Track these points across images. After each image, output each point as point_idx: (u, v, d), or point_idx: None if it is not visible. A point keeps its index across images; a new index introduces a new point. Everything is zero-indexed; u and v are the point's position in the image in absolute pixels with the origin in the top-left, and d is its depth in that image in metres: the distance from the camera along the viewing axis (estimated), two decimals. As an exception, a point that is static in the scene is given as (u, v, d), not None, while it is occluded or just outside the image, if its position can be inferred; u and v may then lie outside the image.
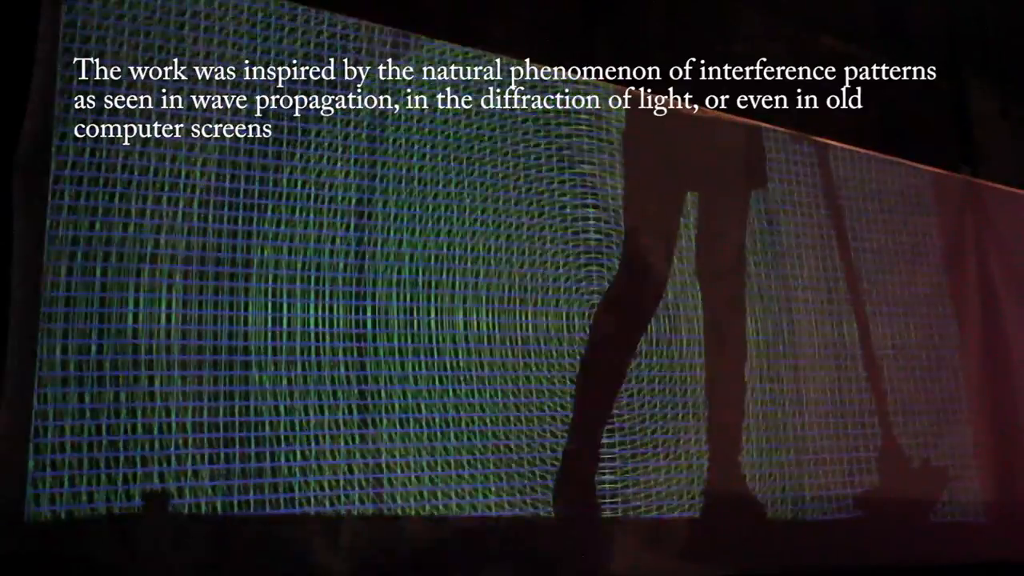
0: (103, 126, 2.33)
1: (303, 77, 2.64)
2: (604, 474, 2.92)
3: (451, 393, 2.71)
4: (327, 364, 2.54)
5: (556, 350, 2.94)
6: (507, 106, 2.99)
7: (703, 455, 3.16)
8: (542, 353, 2.90)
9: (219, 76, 2.51)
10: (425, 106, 2.83)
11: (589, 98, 3.17)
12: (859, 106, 4.22)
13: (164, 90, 2.43)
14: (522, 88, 3.04)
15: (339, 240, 2.62)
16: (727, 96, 3.67)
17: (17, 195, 2.21)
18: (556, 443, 2.86)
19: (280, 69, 2.60)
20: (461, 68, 2.91)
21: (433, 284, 2.75)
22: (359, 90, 2.72)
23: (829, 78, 4.18)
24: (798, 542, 3.29)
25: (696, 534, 3.03)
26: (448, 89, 2.88)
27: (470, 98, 2.91)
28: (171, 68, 2.44)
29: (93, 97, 2.33)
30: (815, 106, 4.03)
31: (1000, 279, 4.17)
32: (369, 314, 2.63)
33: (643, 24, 3.67)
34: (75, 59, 2.32)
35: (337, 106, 2.68)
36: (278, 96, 2.59)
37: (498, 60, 3.00)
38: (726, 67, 3.85)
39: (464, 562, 2.64)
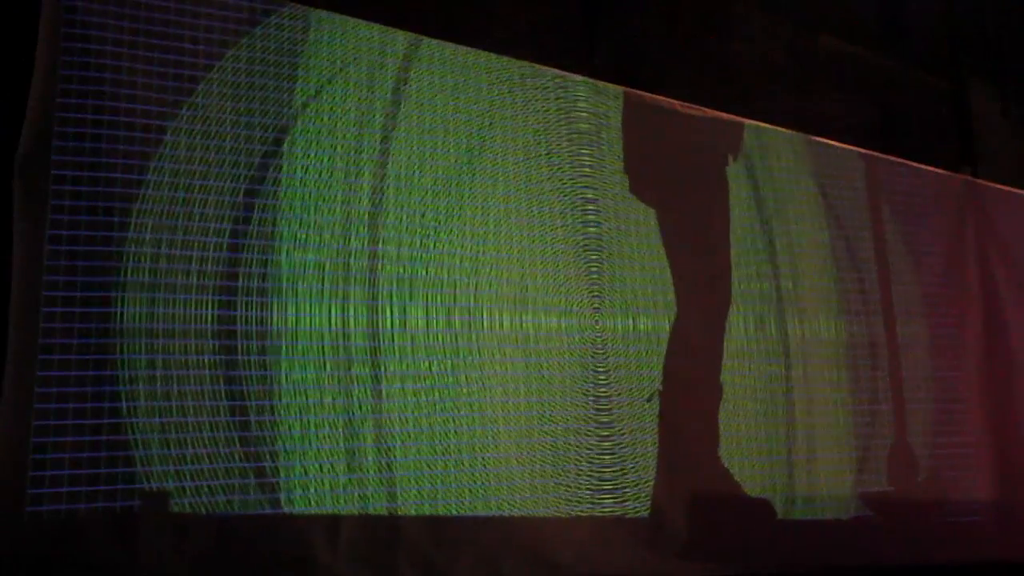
0: (103, 126, 2.33)
1: (306, 78, 2.64)
2: (603, 474, 2.92)
3: (452, 392, 2.71)
4: (328, 364, 2.54)
5: (560, 349, 2.94)
6: (507, 106, 2.99)
7: (703, 456, 3.17)
8: (546, 352, 2.91)
9: (220, 76, 2.51)
10: (426, 108, 2.83)
11: (588, 98, 3.17)
12: (859, 106, 4.23)
13: (164, 90, 2.43)
14: (522, 88, 3.04)
15: (342, 241, 2.62)
16: (727, 96, 3.68)
17: (17, 195, 2.21)
18: (556, 442, 2.86)
19: (284, 70, 2.60)
20: (462, 68, 2.91)
21: (435, 284, 2.75)
22: (361, 91, 2.72)
23: (829, 78, 4.19)
24: (798, 542, 3.29)
25: (696, 534, 3.03)
26: (448, 91, 2.88)
27: (471, 98, 2.92)
28: (171, 68, 2.44)
29: (93, 98, 2.33)
30: (815, 106, 4.04)
31: (1000, 279, 4.17)
32: (371, 314, 2.63)
33: (643, 24, 3.67)
34: (75, 59, 2.32)
35: (339, 107, 2.68)
36: (280, 96, 2.59)
37: (498, 60, 3.00)
38: (726, 67, 3.86)
39: (464, 562, 2.64)
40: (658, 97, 3.37)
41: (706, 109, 3.46)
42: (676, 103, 3.40)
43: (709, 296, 3.31)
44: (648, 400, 3.05)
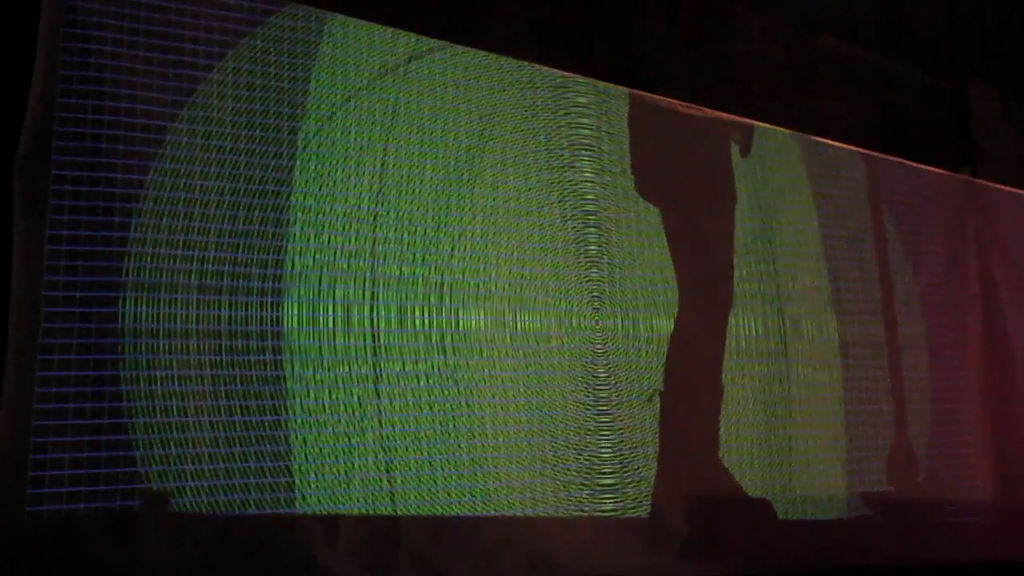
0: (103, 126, 2.33)
1: (305, 79, 2.64)
2: (603, 473, 2.92)
3: (452, 392, 2.71)
4: (328, 364, 2.54)
5: (560, 349, 2.94)
6: (508, 106, 2.99)
7: (703, 456, 3.17)
8: (546, 352, 2.91)
9: (221, 76, 2.51)
10: (426, 107, 2.84)
11: (588, 98, 3.17)
12: (859, 106, 4.23)
13: (164, 90, 2.43)
14: (522, 88, 3.05)
15: (342, 241, 2.62)
16: (727, 96, 3.68)
17: (17, 195, 2.21)
18: (556, 442, 2.86)
19: (285, 71, 2.60)
20: (462, 68, 2.92)
21: (436, 284, 2.75)
22: (362, 92, 2.73)
23: (829, 78, 4.19)
24: (798, 542, 3.29)
25: (696, 534, 3.03)
26: (449, 90, 2.89)
27: (471, 99, 2.92)
28: (171, 68, 2.44)
29: (93, 97, 2.33)
30: (815, 106, 4.04)
31: (1000, 279, 4.17)
32: (371, 314, 2.63)
33: (643, 24, 3.67)
34: (75, 59, 2.32)
35: (339, 108, 2.68)
36: (281, 97, 2.59)
37: (498, 60, 3.01)
38: (726, 67, 3.86)
39: (464, 562, 2.64)
40: (658, 97, 3.37)
41: (706, 109, 3.46)
42: (676, 103, 3.40)
43: (712, 296, 3.31)
44: (648, 400, 3.05)
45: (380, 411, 2.59)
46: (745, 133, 3.53)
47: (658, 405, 3.07)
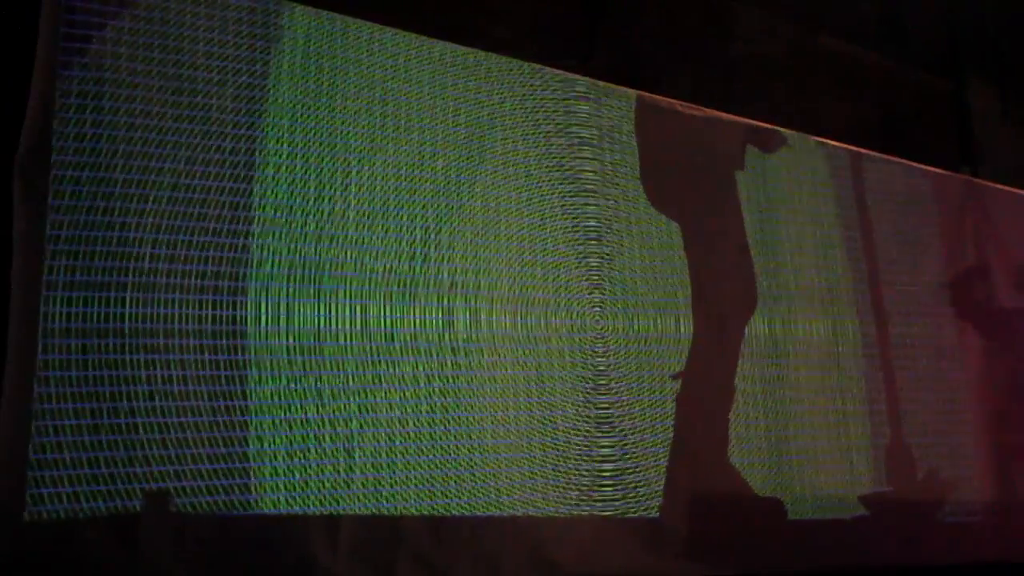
0: (103, 126, 2.33)
1: (305, 77, 2.64)
2: (604, 474, 2.92)
3: (453, 392, 2.71)
4: (328, 364, 2.54)
5: (561, 349, 2.94)
6: (508, 106, 2.99)
7: (701, 456, 3.17)
8: (546, 352, 2.91)
9: (220, 76, 2.51)
10: (426, 107, 2.84)
11: (589, 98, 3.17)
12: (859, 106, 4.23)
13: (164, 90, 2.43)
14: (523, 88, 3.05)
15: (341, 240, 2.62)
16: (727, 96, 3.68)
17: (17, 195, 2.21)
18: (557, 442, 2.86)
19: (285, 70, 2.60)
20: (462, 68, 2.92)
21: (436, 285, 2.75)
22: (362, 93, 2.73)
23: (829, 78, 4.19)
24: (798, 542, 3.29)
25: (696, 534, 3.03)
26: (449, 90, 2.89)
27: (471, 98, 2.92)
28: (171, 68, 2.44)
29: (93, 98, 2.33)
30: (816, 106, 4.04)
31: (1000, 279, 4.17)
32: (371, 314, 2.63)
33: (642, 24, 3.67)
34: (75, 59, 2.32)
35: (339, 107, 2.68)
36: (281, 96, 2.59)
37: (498, 60, 3.01)
38: (726, 67, 3.86)
39: (464, 562, 2.64)
40: (658, 97, 3.37)
41: (706, 109, 3.47)
42: (676, 103, 3.40)
43: (724, 297, 3.32)
44: (673, 378, 3.06)
45: (379, 411, 2.59)
46: (744, 133, 3.53)
47: (677, 389, 3.08)
